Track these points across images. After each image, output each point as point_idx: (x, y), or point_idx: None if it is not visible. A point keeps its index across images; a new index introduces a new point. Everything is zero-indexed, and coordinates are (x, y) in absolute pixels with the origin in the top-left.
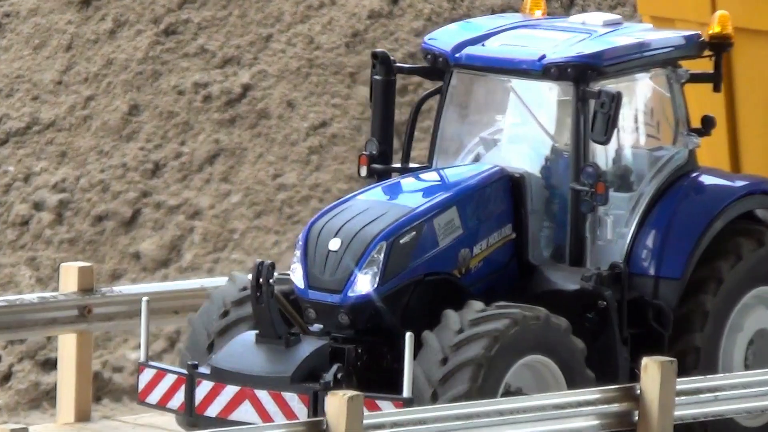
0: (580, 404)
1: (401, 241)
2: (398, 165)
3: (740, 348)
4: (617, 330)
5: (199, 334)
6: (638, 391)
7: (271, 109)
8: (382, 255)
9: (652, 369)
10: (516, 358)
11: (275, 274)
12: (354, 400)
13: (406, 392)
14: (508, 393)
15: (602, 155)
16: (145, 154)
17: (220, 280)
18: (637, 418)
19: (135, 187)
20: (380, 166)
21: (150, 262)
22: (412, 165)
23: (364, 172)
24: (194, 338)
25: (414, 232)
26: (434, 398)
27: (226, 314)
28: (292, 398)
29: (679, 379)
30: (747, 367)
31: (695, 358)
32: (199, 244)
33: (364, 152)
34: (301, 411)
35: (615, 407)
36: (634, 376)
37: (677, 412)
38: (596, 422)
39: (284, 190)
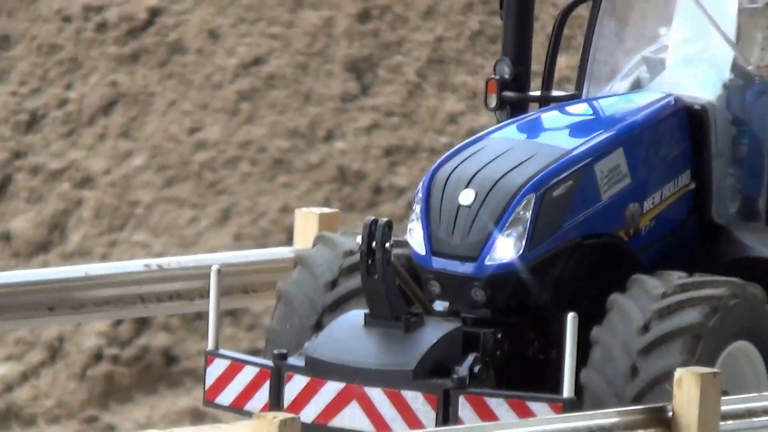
0: (592, 431)
1: (555, 194)
2: (537, 93)
3: None
4: None
5: (301, 311)
6: (670, 414)
7: (187, 40)
8: (530, 211)
9: (687, 383)
10: (718, 353)
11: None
12: None
13: (566, 392)
14: None
15: None
16: (17, 101)
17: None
18: None
19: (4, 145)
20: (514, 94)
21: (23, 246)
22: (555, 93)
23: (493, 102)
24: (290, 317)
25: (570, 182)
26: (634, 373)
27: (334, 285)
28: (416, 398)
29: (725, 398)
30: None
31: None
32: (89, 222)
33: (493, 76)
34: (428, 415)
35: None
36: None
37: None
38: None
39: (204, 149)
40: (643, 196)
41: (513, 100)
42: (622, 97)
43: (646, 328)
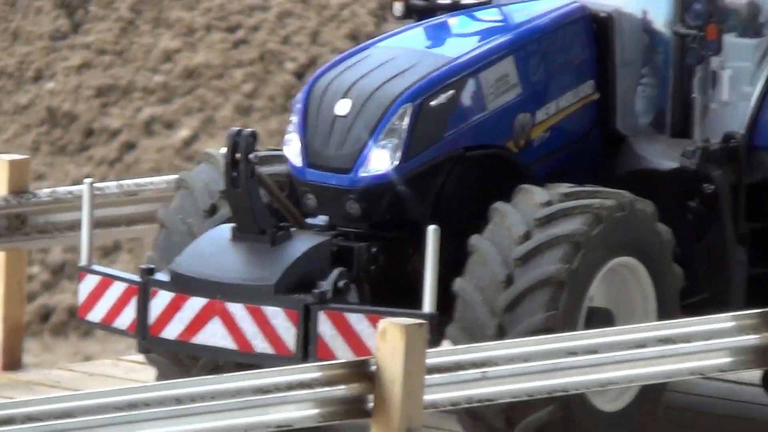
0: (292, 387)
1: (432, 103)
2: (447, 1)
3: None
4: (730, 223)
5: (177, 238)
6: (374, 368)
7: None
8: (406, 121)
9: (392, 335)
10: (600, 265)
11: (259, 148)
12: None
13: (427, 307)
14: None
15: None
16: None
17: None
18: (372, 404)
19: None
20: (421, 2)
21: None
22: (465, 1)
23: (398, 10)
24: (168, 243)
25: (452, 91)
26: (509, 282)
27: (214, 210)
28: (276, 314)
29: (431, 351)
30: None
31: None
32: None
33: None
34: (288, 332)
35: (341, 390)
36: (756, 285)
37: (429, 396)
38: (314, 411)
39: None
40: (535, 107)
41: (420, 7)
42: (528, 4)
43: (526, 236)
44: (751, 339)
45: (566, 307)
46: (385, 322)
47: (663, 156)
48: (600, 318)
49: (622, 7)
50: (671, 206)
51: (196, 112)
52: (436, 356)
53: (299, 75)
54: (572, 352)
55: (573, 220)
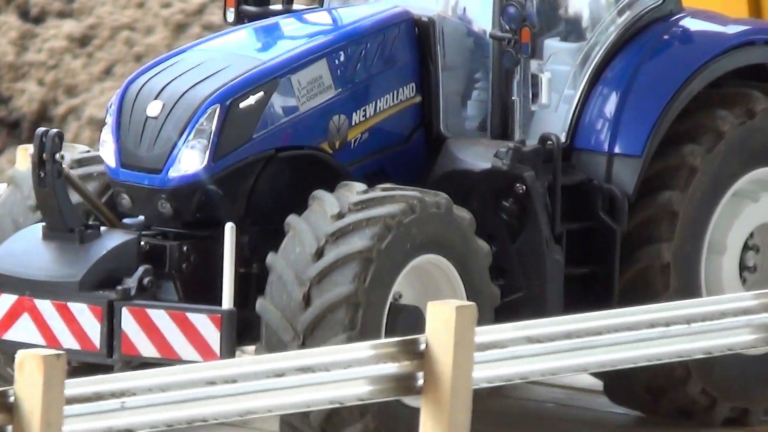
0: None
1: (242, 105)
2: (279, 6)
3: (731, 261)
4: (546, 223)
5: (5, 231)
6: (11, 399)
7: None
8: (214, 122)
9: (30, 367)
10: (396, 272)
11: (65, 147)
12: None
13: (225, 303)
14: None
15: None
16: None
17: None
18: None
19: None
20: (253, 8)
21: None
22: (296, 6)
23: (231, 16)
24: None
25: (261, 93)
26: (306, 302)
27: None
28: (82, 310)
29: (70, 381)
30: (745, 283)
31: (665, 279)
32: None
33: None
34: (93, 327)
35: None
36: (571, 285)
37: (68, 427)
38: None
39: None
40: (352, 108)
41: (252, 13)
42: (355, 9)
43: (319, 254)
44: (389, 367)
45: (364, 322)
46: (22, 354)
47: (478, 157)
48: (408, 316)
49: (444, 12)
50: (486, 206)
51: None
52: (75, 387)
53: None
54: (211, 382)
55: (363, 233)
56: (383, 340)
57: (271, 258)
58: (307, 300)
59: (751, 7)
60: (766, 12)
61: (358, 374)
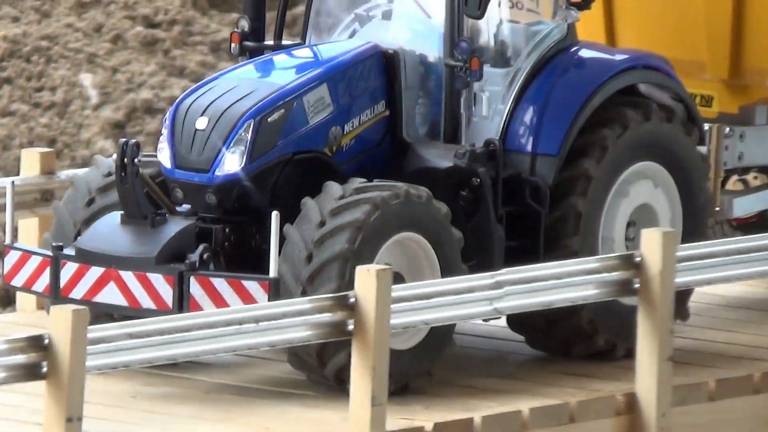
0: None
1: (269, 120)
2: (271, 42)
3: (622, 217)
4: (492, 208)
5: (65, 224)
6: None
7: None
8: (250, 133)
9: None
10: (381, 242)
11: (141, 154)
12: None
13: (272, 272)
14: None
15: (479, 30)
16: None
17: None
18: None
19: None
20: (252, 44)
21: None
22: (285, 42)
23: (236, 50)
24: (60, 228)
25: (282, 110)
26: (308, 260)
27: (91, 202)
28: (157, 279)
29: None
30: (629, 242)
31: (575, 223)
32: None
33: (235, 30)
34: (167, 292)
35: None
36: (511, 254)
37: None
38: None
39: None
40: (344, 121)
41: (251, 48)
42: (334, 44)
43: (321, 225)
44: (326, 317)
45: (352, 275)
46: (56, 309)
47: (439, 157)
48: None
49: (405, 45)
50: (447, 196)
51: None
52: (95, 332)
53: None
54: (188, 329)
55: (357, 209)
56: (321, 296)
57: (287, 229)
58: (309, 258)
59: (607, 36)
60: (620, 41)
61: (302, 321)
